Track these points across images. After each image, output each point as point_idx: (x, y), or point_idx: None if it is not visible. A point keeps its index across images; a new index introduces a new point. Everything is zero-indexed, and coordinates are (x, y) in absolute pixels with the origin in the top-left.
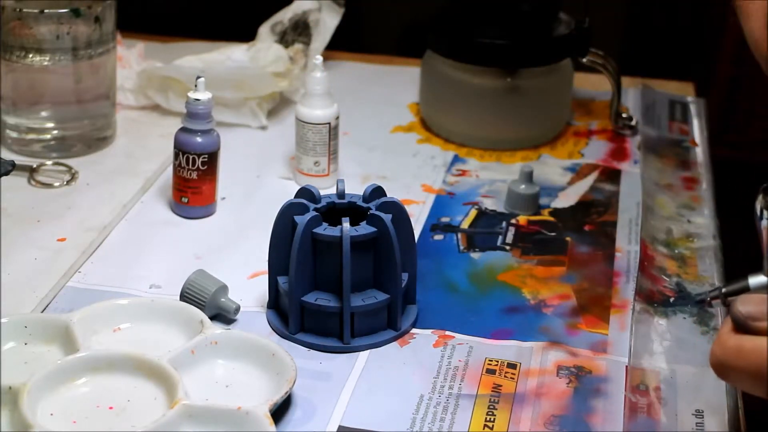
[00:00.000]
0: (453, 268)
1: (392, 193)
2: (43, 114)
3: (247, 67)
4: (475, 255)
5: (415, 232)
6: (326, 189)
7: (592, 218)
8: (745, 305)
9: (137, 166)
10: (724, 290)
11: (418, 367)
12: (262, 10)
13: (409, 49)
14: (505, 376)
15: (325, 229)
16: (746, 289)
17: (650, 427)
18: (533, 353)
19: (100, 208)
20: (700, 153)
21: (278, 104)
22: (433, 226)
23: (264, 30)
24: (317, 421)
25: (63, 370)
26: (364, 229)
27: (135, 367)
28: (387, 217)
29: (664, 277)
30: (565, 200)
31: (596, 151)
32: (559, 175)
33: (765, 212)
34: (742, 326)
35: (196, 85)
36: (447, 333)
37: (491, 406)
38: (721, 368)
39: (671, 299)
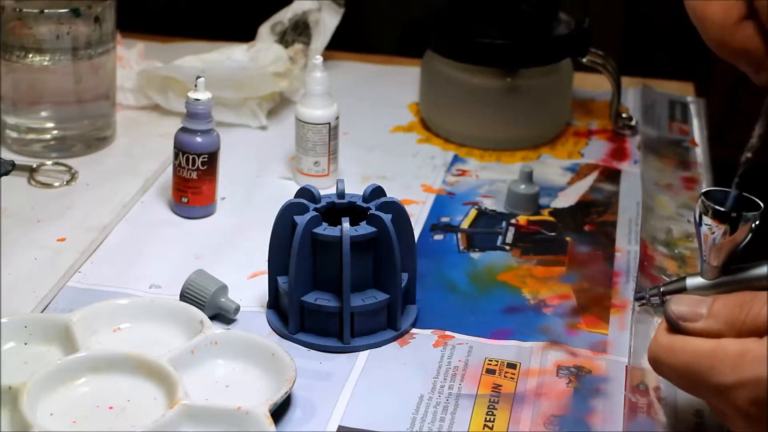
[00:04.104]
0: (453, 268)
1: (392, 193)
2: (43, 114)
3: (247, 67)
4: (475, 255)
5: (415, 232)
6: (326, 189)
7: (592, 218)
8: (678, 305)
9: (137, 166)
10: (662, 289)
11: (418, 367)
12: (262, 10)
13: (409, 49)
14: (504, 376)
15: (325, 229)
16: (683, 290)
17: (650, 427)
18: (533, 353)
19: (100, 208)
20: (700, 153)
21: (278, 104)
22: (433, 226)
23: (264, 30)
24: (317, 421)
25: (63, 370)
26: (364, 229)
27: (135, 367)
28: (387, 217)
29: (664, 277)
30: (565, 200)
31: (596, 151)
32: (559, 175)
33: (704, 217)
34: (674, 326)
35: (196, 85)
36: (447, 333)
37: (491, 406)
38: (655, 364)
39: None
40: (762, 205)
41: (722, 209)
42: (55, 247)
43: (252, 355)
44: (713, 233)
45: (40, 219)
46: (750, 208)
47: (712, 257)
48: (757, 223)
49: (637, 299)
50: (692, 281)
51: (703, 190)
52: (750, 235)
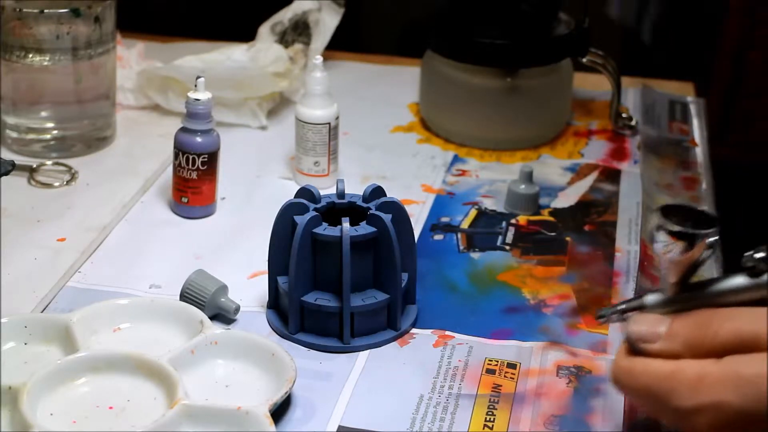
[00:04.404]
0: (453, 268)
1: (392, 193)
2: (43, 114)
3: (247, 67)
4: (475, 255)
5: (415, 232)
6: (326, 189)
7: (592, 218)
8: (638, 325)
9: (137, 166)
10: (621, 307)
11: (418, 367)
12: (262, 10)
13: (409, 49)
14: (504, 376)
15: (325, 229)
16: (642, 308)
17: (650, 427)
18: (533, 353)
19: (100, 208)
20: (700, 153)
21: (278, 104)
22: (433, 226)
23: (264, 30)
24: (317, 421)
25: (63, 370)
26: (364, 229)
27: (135, 367)
28: (387, 217)
29: None
30: (565, 200)
31: (596, 151)
32: (559, 175)
33: (659, 234)
34: (634, 347)
35: (196, 85)
36: (447, 333)
37: (491, 406)
38: (617, 386)
39: None
40: (717, 221)
41: (675, 228)
42: (55, 247)
43: (252, 355)
44: (669, 250)
45: (40, 219)
46: (708, 225)
47: (670, 274)
48: (716, 239)
49: (597, 318)
50: (651, 298)
51: (661, 205)
52: (709, 251)
